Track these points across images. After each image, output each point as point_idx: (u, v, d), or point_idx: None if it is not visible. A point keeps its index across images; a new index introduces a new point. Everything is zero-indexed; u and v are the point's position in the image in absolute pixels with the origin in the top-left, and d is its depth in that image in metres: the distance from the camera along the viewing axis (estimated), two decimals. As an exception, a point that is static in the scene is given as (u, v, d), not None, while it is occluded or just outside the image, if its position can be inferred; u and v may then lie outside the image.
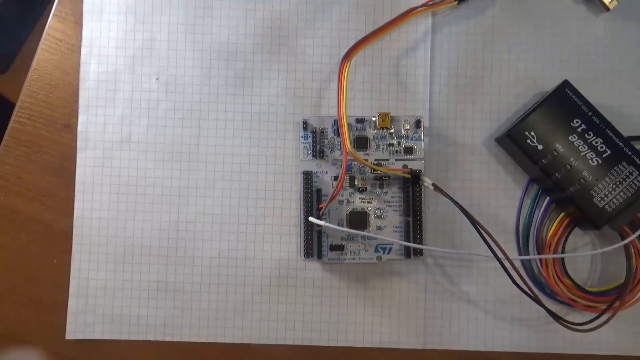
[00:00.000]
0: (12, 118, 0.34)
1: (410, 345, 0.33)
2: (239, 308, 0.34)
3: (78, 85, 0.34)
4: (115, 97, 0.34)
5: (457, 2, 0.34)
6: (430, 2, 0.34)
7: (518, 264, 0.34)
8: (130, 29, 0.34)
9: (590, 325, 0.31)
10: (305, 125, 0.33)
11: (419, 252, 0.33)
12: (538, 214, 0.34)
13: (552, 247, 0.33)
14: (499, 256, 0.30)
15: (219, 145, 0.34)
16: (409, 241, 0.33)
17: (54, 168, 0.34)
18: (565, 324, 0.31)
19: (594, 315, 0.32)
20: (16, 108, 0.34)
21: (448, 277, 0.34)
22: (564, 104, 0.32)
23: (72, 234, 0.34)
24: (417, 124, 0.33)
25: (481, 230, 0.30)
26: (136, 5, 0.34)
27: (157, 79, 0.34)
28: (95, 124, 0.34)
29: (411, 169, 0.33)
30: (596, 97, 0.33)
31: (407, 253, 0.33)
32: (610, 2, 0.33)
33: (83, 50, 0.34)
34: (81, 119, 0.34)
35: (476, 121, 0.34)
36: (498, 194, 0.34)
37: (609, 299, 0.33)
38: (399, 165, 0.33)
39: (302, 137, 0.33)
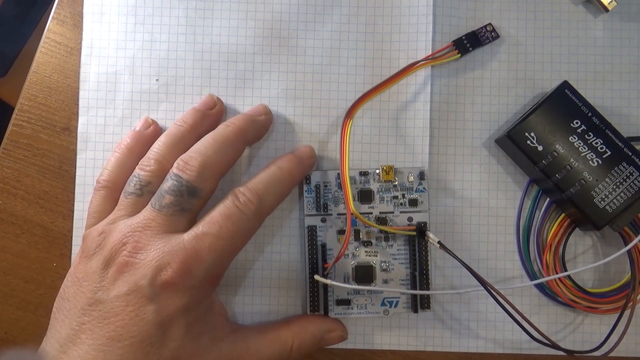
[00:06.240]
0: (11, 121, 0.34)
1: (410, 347, 0.33)
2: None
3: (77, 88, 0.34)
4: (115, 98, 0.34)
5: (459, 55, 0.34)
6: (431, 57, 0.33)
7: (519, 267, 0.34)
8: (130, 30, 0.34)
9: (599, 352, 0.31)
10: (308, 179, 0.33)
11: (425, 305, 0.32)
12: (538, 215, 0.34)
13: (553, 248, 0.33)
14: (513, 315, 0.30)
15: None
16: (415, 295, 0.32)
17: (53, 171, 0.34)
18: (581, 354, 0.31)
19: (596, 316, 0.33)
20: (15, 111, 0.34)
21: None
22: (564, 104, 0.32)
23: (71, 236, 0.34)
24: (421, 175, 0.33)
25: (490, 289, 0.30)
26: (136, 6, 0.34)
27: (157, 80, 0.34)
28: (95, 126, 0.34)
29: (417, 223, 0.33)
30: (596, 98, 0.33)
31: (415, 307, 0.32)
32: (609, 3, 0.33)
33: (83, 52, 0.34)
34: (81, 120, 0.34)
35: (476, 122, 0.34)
36: (498, 195, 0.34)
37: (610, 300, 0.33)
38: (404, 217, 0.33)
39: (305, 191, 0.33)
